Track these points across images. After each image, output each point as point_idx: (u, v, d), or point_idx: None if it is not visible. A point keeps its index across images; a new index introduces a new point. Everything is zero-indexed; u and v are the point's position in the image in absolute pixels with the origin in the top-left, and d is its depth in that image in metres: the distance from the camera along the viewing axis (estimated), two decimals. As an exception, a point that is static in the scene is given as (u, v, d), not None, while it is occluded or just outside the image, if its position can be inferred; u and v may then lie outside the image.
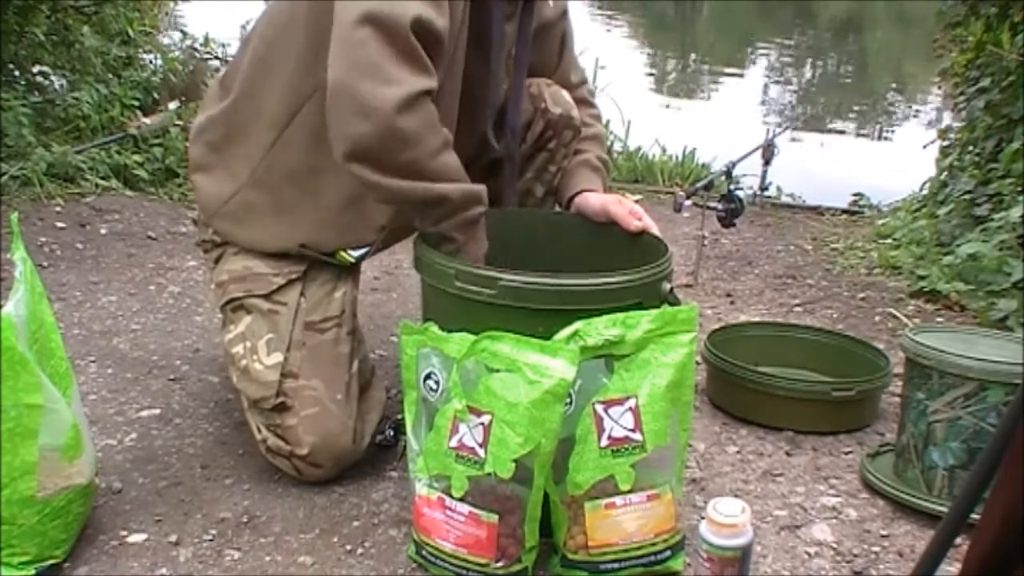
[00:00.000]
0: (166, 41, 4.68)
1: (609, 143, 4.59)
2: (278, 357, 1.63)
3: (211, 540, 1.49)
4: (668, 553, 1.42)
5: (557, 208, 1.87)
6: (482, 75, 1.65)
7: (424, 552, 1.41)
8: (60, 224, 2.96)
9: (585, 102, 1.92)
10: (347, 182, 1.64)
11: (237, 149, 1.69)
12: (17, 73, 3.66)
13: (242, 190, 1.68)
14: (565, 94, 1.84)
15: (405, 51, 1.38)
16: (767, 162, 3.66)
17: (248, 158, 1.67)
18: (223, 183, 1.71)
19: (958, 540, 0.90)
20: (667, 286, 1.47)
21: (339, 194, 1.64)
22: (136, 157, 3.49)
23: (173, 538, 1.48)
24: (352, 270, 1.77)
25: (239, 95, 1.68)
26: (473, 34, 1.59)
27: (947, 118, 4.58)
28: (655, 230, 1.66)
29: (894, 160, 5.61)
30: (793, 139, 5.56)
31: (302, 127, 1.61)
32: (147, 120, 3.68)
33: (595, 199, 1.74)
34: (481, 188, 1.53)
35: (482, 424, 1.33)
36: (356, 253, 1.71)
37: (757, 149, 3.53)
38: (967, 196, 3.15)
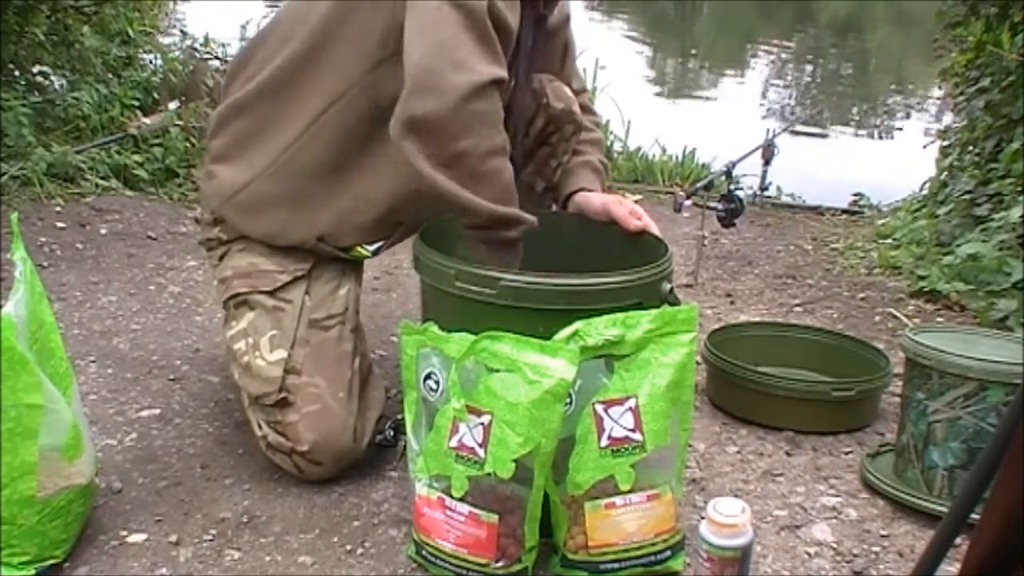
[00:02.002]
0: (166, 41, 4.68)
1: (609, 143, 4.59)
2: (281, 353, 1.63)
3: (211, 540, 1.49)
4: (668, 553, 1.43)
5: (555, 206, 1.87)
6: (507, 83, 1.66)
7: (424, 552, 1.41)
8: (60, 224, 2.96)
9: (586, 109, 1.93)
10: (371, 180, 1.64)
11: (261, 142, 1.68)
12: (17, 73, 3.66)
13: (256, 181, 1.68)
14: (566, 90, 1.85)
15: (482, 36, 1.40)
16: (767, 162, 3.66)
17: (269, 150, 1.67)
18: (238, 172, 1.70)
19: (958, 540, 0.90)
20: (667, 286, 1.47)
21: (363, 191, 1.65)
22: (136, 157, 3.49)
23: (173, 538, 1.48)
24: (356, 268, 1.78)
25: (268, 88, 1.67)
26: None
27: (947, 118, 4.58)
28: (655, 230, 1.66)
29: (894, 160, 5.61)
30: (795, 132, 5.55)
31: (331, 124, 1.62)
32: (147, 120, 3.68)
33: (596, 199, 1.74)
34: (518, 215, 1.50)
35: (482, 424, 1.33)
36: (372, 247, 1.72)
37: (757, 149, 3.53)
38: (967, 196, 3.15)
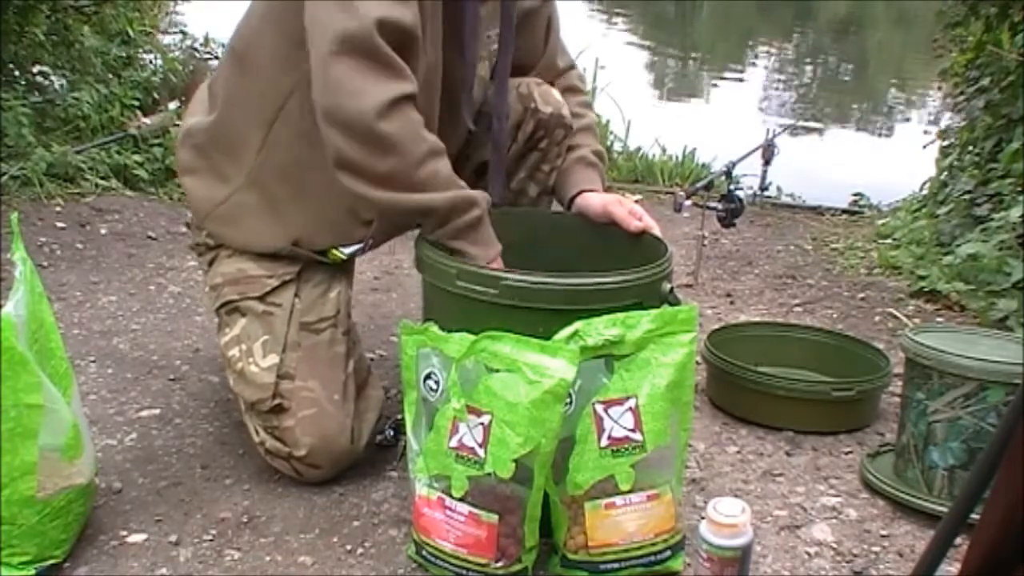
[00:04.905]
0: (166, 41, 4.68)
1: (609, 143, 4.59)
2: (274, 359, 1.63)
3: (211, 540, 1.49)
4: (668, 553, 1.43)
5: (556, 207, 1.87)
6: (458, 61, 1.65)
7: (424, 552, 1.41)
8: (60, 224, 2.96)
9: (574, 89, 1.91)
10: (333, 178, 1.64)
11: (227, 152, 1.69)
12: (17, 73, 3.66)
13: (236, 192, 1.68)
14: (555, 93, 1.83)
15: (376, 61, 1.42)
16: (767, 162, 3.66)
17: (240, 161, 1.67)
18: (214, 186, 1.71)
19: (958, 540, 0.90)
20: (667, 286, 1.47)
21: (327, 190, 1.64)
22: (136, 157, 3.49)
23: (173, 538, 1.48)
24: (346, 270, 1.77)
25: (224, 98, 1.69)
26: (447, 21, 1.59)
27: (947, 118, 4.58)
28: (656, 231, 1.66)
29: (894, 160, 5.61)
30: (794, 133, 5.55)
31: (287, 124, 1.62)
32: (147, 120, 3.68)
33: (596, 200, 1.73)
34: (474, 194, 1.52)
35: (482, 424, 1.33)
36: (347, 251, 1.71)
37: (757, 149, 3.53)
38: (967, 196, 3.15)
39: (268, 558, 1.46)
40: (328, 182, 1.63)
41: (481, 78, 1.75)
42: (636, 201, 1.78)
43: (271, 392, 1.61)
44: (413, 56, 1.47)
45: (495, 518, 1.34)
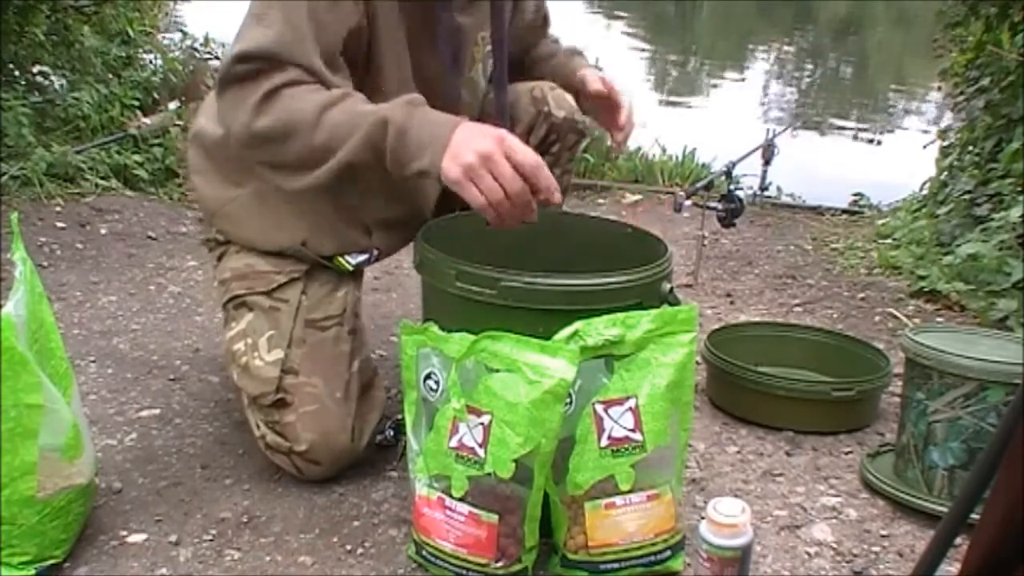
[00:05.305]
0: (166, 41, 4.69)
1: (609, 143, 4.58)
2: (278, 354, 1.63)
3: (211, 540, 1.49)
4: (668, 553, 1.43)
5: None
6: (438, 71, 1.67)
7: (424, 552, 1.41)
8: (60, 224, 2.96)
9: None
10: (332, 184, 1.64)
11: (234, 162, 1.69)
12: (17, 73, 3.66)
13: (245, 193, 1.69)
14: (569, 98, 1.84)
15: (239, 82, 1.46)
16: (767, 162, 3.66)
17: (247, 170, 1.67)
18: (221, 188, 1.72)
19: (958, 540, 0.90)
20: (667, 286, 1.47)
21: (327, 194, 1.64)
22: (136, 157, 3.50)
23: (173, 538, 1.48)
24: (355, 271, 1.78)
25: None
26: (423, 33, 1.61)
27: (947, 118, 4.58)
28: (619, 97, 1.75)
29: (894, 160, 5.61)
30: (794, 133, 5.55)
31: None
32: (147, 120, 3.68)
33: (583, 72, 1.84)
34: (381, 114, 1.42)
35: (482, 424, 1.33)
36: (354, 260, 1.71)
37: (757, 149, 3.53)
38: (967, 196, 3.15)
39: (268, 558, 1.46)
40: (327, 189, 1.64)
41: (471, 79, 1.75)
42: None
43: (274, 386, 1.61)
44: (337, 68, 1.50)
45: (495, 518, 1.34)
